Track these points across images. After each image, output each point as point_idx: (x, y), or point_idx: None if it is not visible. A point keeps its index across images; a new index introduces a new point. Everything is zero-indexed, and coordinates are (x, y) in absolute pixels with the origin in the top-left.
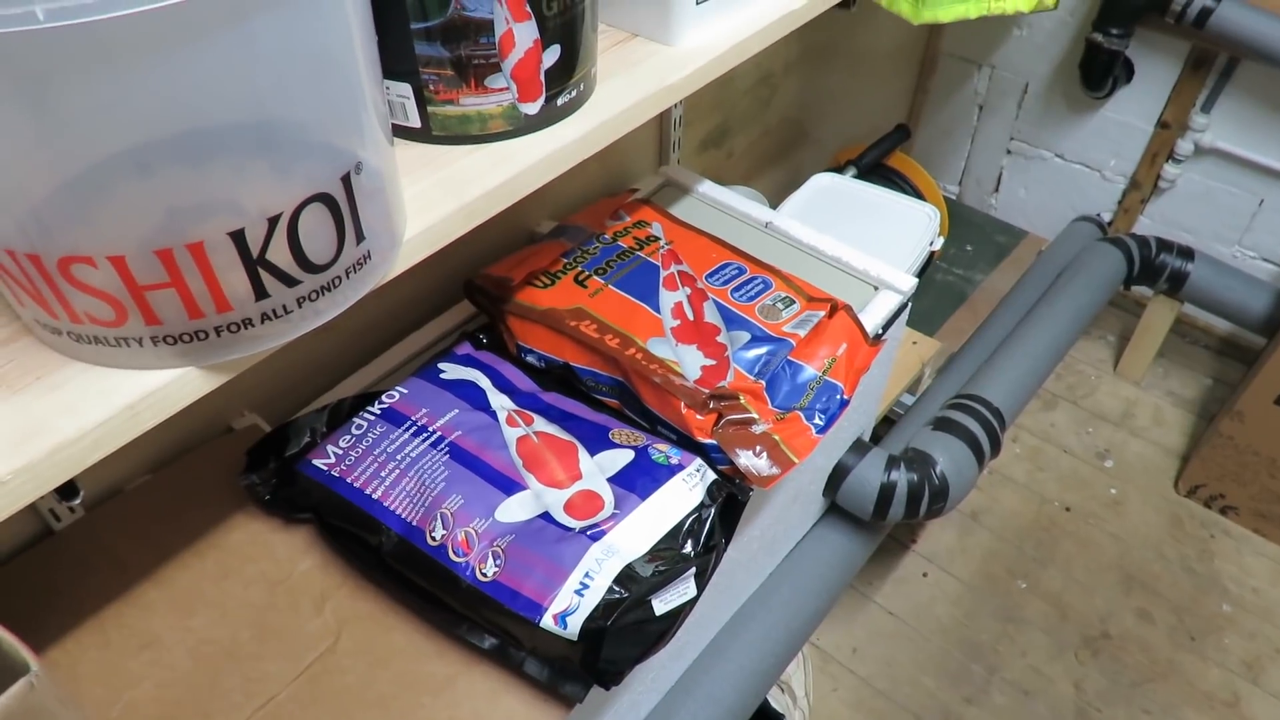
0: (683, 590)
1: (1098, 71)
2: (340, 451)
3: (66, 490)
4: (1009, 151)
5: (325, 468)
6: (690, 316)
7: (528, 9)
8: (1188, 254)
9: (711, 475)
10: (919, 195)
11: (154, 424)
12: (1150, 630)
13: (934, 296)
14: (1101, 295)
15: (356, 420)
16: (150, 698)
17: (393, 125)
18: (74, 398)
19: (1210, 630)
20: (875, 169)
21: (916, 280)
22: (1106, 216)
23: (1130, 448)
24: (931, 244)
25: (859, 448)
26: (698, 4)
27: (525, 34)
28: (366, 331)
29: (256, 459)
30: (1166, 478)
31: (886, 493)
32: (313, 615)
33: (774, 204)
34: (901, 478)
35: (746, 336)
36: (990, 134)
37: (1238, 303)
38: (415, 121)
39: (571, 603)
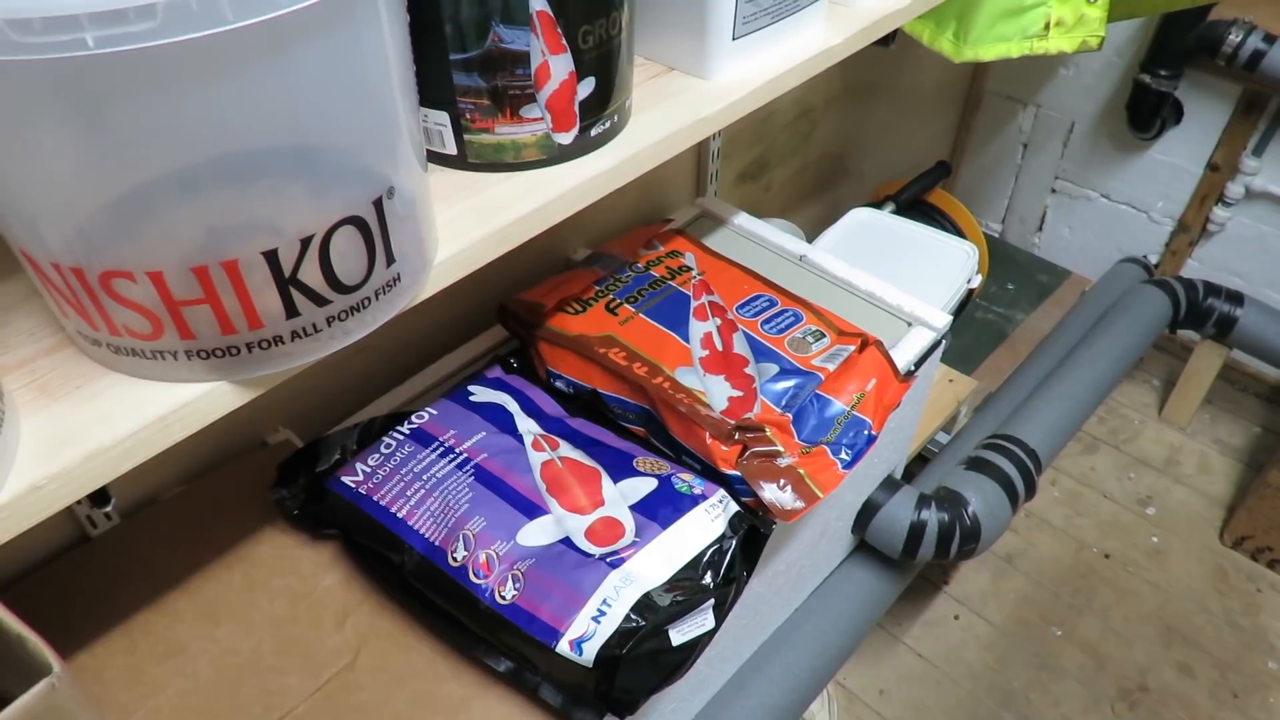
0: (701, 621)
1: (1145, 112)
2: (368, 470)
3: (98, 497)
4: (1053, 190)
5: (353, 485)
6: (719, 347)
7: (563, 42)
8: (1237, 299)
9: (734, 507)
10: (959, 232)
11: (184, 436)
12: (1191, 685)
13: (973, 335)
14: (1145, 338)
15: (386, 439)
16: (172, 705)
17: (429, 152)
18: (110, 407)
19: (1255, 688)
20: (915, 205)
21: (951, 317)
22: (1153, 259)
23: (1174, 495)
24: (970, 281)
25: (889, 485)
26: (734, 39)
27: (561, 66)
28: (401, 352)
29: (287, 474)
30: (1211, 528)
31: (916, 532)
32: (334, 631)
33: (811, 238)
34: (932, 517)
35: (775, 369)
36: (1035, 173)
37: None
38: (451, 149)
39: (588, 629)
